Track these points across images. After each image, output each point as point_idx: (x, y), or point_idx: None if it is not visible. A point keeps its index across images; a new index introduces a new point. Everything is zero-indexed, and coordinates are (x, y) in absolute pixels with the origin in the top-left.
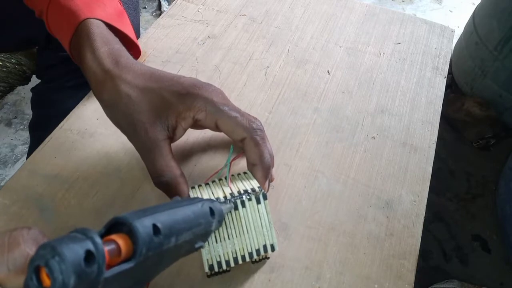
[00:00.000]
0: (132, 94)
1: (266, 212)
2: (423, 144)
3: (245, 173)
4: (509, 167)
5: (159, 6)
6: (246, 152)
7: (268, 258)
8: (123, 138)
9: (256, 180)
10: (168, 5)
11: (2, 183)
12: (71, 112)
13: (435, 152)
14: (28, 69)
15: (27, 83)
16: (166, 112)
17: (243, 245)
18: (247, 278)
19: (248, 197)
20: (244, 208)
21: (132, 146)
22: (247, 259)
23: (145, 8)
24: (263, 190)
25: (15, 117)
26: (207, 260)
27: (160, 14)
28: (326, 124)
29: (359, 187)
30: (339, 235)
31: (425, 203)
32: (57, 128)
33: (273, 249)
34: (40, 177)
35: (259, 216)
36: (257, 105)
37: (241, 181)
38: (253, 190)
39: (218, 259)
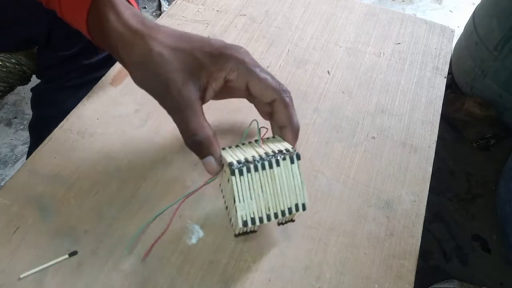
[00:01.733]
0: (164, 53)
1: (299, 172)
2: (423, 144)
3: (273, 137)
4: (509, 167)
5: (159, 6)
6: (275, 114)
7: (294, 221)
8: (123, 138)
9: (286, 141)
10: (168, 5)
11: (2, 183)
12: (71, 112)
13: (435, 152)
14: (28, 69)
15: (27, 83)
16: (198, 72)
17: (277, 203)
18: (247, 278)
19: (282, 156)
20: (278, 167)
21: (132, 146)
22: (280, 216)
23: (145, 8)
24: (296, 151)
25: (15, 117)
26: (241, 216)
27: (160, 14)
28: (326, 124)
29: (359, 187)
30: (339, 235)
31: (425, 203)
32: (57, 128)
33: (304, 208)
34: (40, 177)
35: (292, 175)
36: None
37: (272, 143)
38: (287, 150)
39: (252, 216)
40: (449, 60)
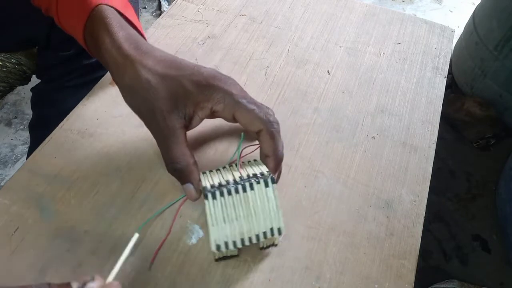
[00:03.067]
0: (152, 80)
1: (274, 196)
2: (423, 144)
3: (255, 160)
4: (509, 167)
5: (159, 6)
6: (261, 143)
7: (276, 245)
8: (123, 138)
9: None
10: (168, 5)
11: (2, 183)
12: (71, 112)
13: (435, 152)
14: (28, 69)
15: (27, 83)
16: (184, 101)
17: (251, 227)
18: (247, 278)
19: (256, 180)
20: (252, 191)
21: (132, 146)
22: (254, 241)
23: (145, 8)
24: (271, 175)
25: (15, 117)
26: (215, 240)
27: (160, 14)
28: (326, 124)
29: (359, 187)
30: (339, 235)
31: (425, 203)
32: (57, 128)
33: (280, 232)
34: (40, 177)
35: (267, 199)
36: None
37: (251, 167)
38: (262, 174)
39: (226, 239)
40: (449, 60)
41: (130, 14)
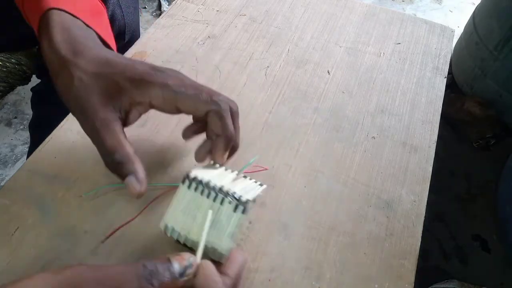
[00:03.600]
0: (84, 78)
1: (236, 223)
2: (423, 144)
3: (260, 184)
4: (509, 167)
5: (159, 6)
6: (209, 125)
7: None
8: None
9: (216, 150)
10: (168, 5)
11: (2, 183)
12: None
13: (435, 152)
14: (28, 69)
15: (27, 83)
16: (119, 97)
17: (199, 233)
18: (247, 278)
19: (230, 199)
20: (221, 205)
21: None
22: (194, 247)
23: (145, 8)
24: (248, 205)
25: (15, 117)
26: (166, 220)
27: (160, 14)
28: (326, 124)
29: (359, 187)
30: (339, 235)
31: (425, 203)
32: (57, 128)
33: (219, 258)
34: (40, 177)
35: (228, 222)
36: (257, 105)
37: (245, 185)
38: (239, 198)
39: (173, 226)
40: (449, 60)
41: (94, 20)
